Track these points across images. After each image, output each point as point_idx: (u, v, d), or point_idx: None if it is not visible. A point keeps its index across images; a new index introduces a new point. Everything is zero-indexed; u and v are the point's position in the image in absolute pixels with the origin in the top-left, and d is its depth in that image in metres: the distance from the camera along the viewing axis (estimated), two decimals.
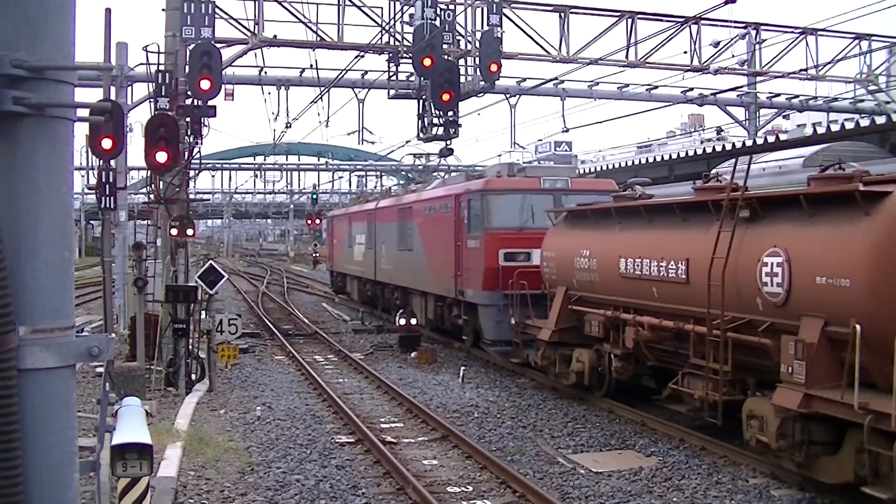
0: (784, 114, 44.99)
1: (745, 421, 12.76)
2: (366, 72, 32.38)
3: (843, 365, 10.85)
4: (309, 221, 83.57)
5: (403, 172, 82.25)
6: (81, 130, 23.46)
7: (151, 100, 21.08)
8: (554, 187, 23.53)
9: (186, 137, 20.67)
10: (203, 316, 21.26)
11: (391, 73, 27.28)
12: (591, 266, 17.97)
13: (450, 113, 24.67)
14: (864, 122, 26.52)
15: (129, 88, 28.73)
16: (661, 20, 30.30)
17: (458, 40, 26.29)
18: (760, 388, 13.23)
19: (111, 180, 18.32)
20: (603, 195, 21.44)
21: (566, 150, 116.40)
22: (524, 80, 35.00)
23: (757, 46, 32.42)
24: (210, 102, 20.85)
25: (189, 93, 20.99)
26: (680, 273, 14.84)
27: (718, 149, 32.47)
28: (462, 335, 26.15)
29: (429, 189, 30.57)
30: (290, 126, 32.09)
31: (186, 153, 20.91)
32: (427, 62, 23.40)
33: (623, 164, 42.99)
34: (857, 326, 10.63)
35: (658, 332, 15.77)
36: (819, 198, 12.10)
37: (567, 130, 35.96)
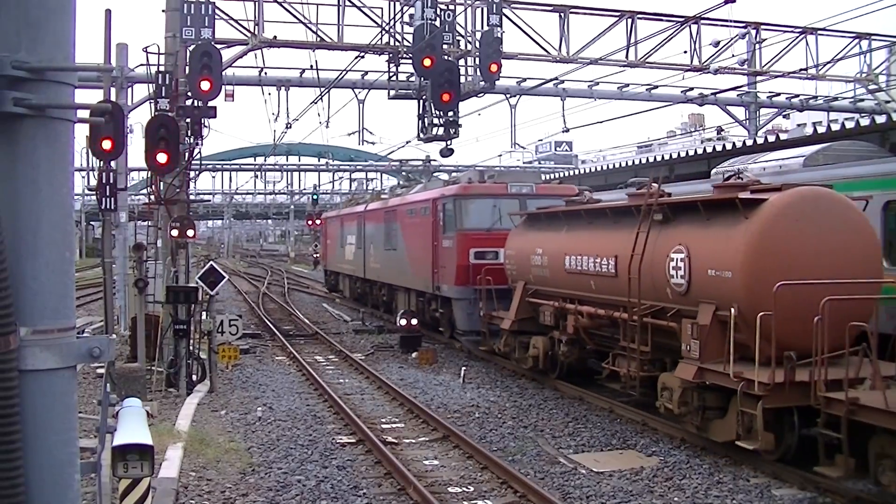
0: (784, 113, 45.02)
1: (659, 392, 15.11)
2: (366, 72, 32.39)
3: (725, 341, 13.32)
4: (309, 222, 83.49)
5: (404, 173, 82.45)
6: (82, 131, 23.49)
7: (152, 101, 21.10)
8: (520, 192, 25.80)
9: (187, 138, 20.67)
10: (204, 317, 21.26)
11: (391, 74, 27.30)
12: (544, 263, 20.44)
13: (450, 113, 24.68)
14: (865, 122, 26.47)
15: (130, 89, 28.72)
16: (661, 20, 30.30)
17: (458, 40, 26.30)
18: (675, 365, 15.01)
19: (111, 181, 18.34)
20: (562, 200, 23.33)
21: (566, 151, 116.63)
22: (524, 80, 35.01)
23: (757, 46, 32.42)
24: (210, 103, 20.85)
25: (189, 94, 20.99)
26: (610, 268, 17.23)
27: (719, 148, 32.42)
28: (439, 327, 28.61)
29: (411, 193, 32.88)
30: (291, 127, 32.12)
31: (187, 154, 20.91)
32: (427, 62, 23.41)
33: (623, 164, 42.99)
34: (732, 310, 13.20)
35: (595, 320, 18.34)
36: (713, 204, 14.51)
37: (567, 130, 35.97)
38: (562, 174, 46.68)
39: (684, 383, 14.25)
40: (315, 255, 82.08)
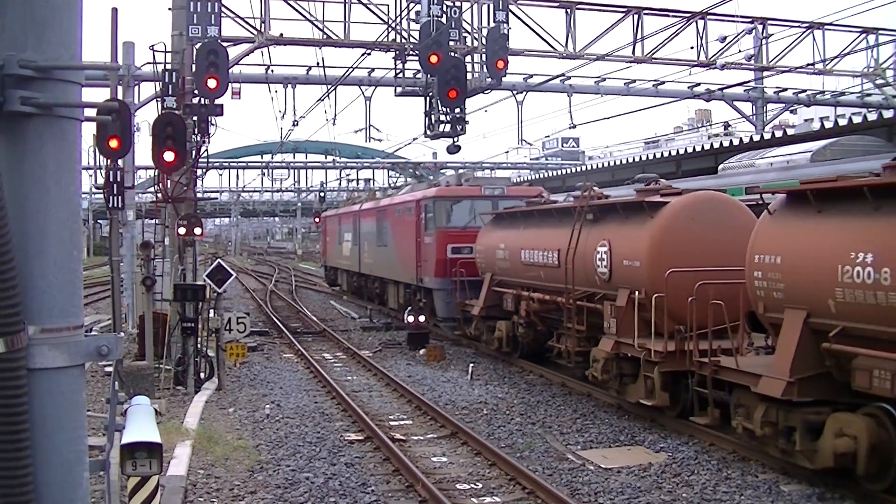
0: (791, 108, 44.92)
1: (591, 363, 17.74)
2: (372, 69, 32.43)
3: (649, 321, 15.86)
4: (317, 219, 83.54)
5: (410, 170, 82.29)
6: (89, 130, 23.51)
7: (158, 99, 21.12)
8: (493, 194, 28.64)
9: (193, 136, 20.69)
10: (211, 314, 21.28)
11: (398, 71, 27.26)
12: (506, 256, 23.37)
13: (457, 110, 24.62)
14: (872, 117, 26.45)
15: (136, 88, 28.78)
16: (668, 15, 30.26)
17: (465, 37, 26.24)
18: None
19: (119, 179, 18.38)
20: (527, 200, 25.93)
21: (573, 147, 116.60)
22: (531, 76, 35.01)
23: (764, 41, 32.35)
24: (217, 101, 20.85)
25: (196, 91, 21.00)
26: (554, 260, 20.07)
27: (726, 144, 32.39)
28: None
29: (399, 194, 35.90)
30: (297, 124, 32.16)
31: (194, 152, 20.93)
32: (433, 59, 23.36)
33: (630, 160, 42.93)
34: (636, 293, 16.18)
35: (543, 304, 21.12)
36: (629, 206, 17.49)
37: (574, 126, 36.01)
38: (568, 170, 46.68)
39: (606, 355, 17.09)
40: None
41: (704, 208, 16.32)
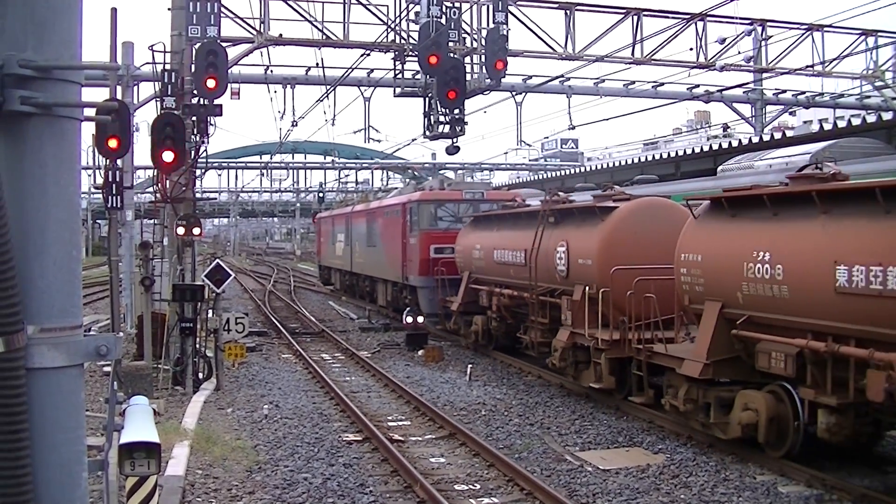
0: (790, 110, 44.94)
1: (552, 352, 19.58)
2: (372, 70, 32.38)
3: (595, 313, 17.86)
4: (315, 220, 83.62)
5: (410, 171, 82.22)
6: (88, 130, 23.49)
7: (157, 99, 21.11)
8: (473, 198, 30.86)
9: (192, 136, 20.68)
10: (210, 315, 21.27)
11: (397, 72, 27.25)
12: (481, 256, 25.27)
13: (456, 111, 24.60)
14: (871, 119, 26.46)
15: (135, 88, 28.77)
16: (667, 17, 30.26)
17: (464, 38, 26.23)
18: None
19: (118, 179, 18.36)
20: (504, 203, 28.67)
21: (572, 148, 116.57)
22: (530, 77, 34.99)
23: (763, 43, 32.36)
24: (216, 101, 20.84)
25: (195, 92, 21.00)
26: (521, 259, 21.89)
27: (725, 145, 32.40)
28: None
29: (387, 198, 38.26)
30: (296, 124, 32.10)
31: (193, 152, 20.92)
32: (433, 60, 23.33)
33: (630, 162, 42.95)
34: (586, 288, 18.24)
35: (512, 299, 23.05)
36: (584, 210, 19.64)
37: (573, 128, 36.00)
38: (567, 171, 46.77)
39: (563, 344, 18.95)
40: None
41: (647, 213, 18.32)
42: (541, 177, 57.67)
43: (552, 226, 20.59)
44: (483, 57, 25.34)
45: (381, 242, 35.70)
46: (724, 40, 31.29)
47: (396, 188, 42.16)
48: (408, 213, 31.55)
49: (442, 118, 25.11)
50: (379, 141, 61.93)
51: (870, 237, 11.45)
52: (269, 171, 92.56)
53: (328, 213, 54.84)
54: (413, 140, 50.73)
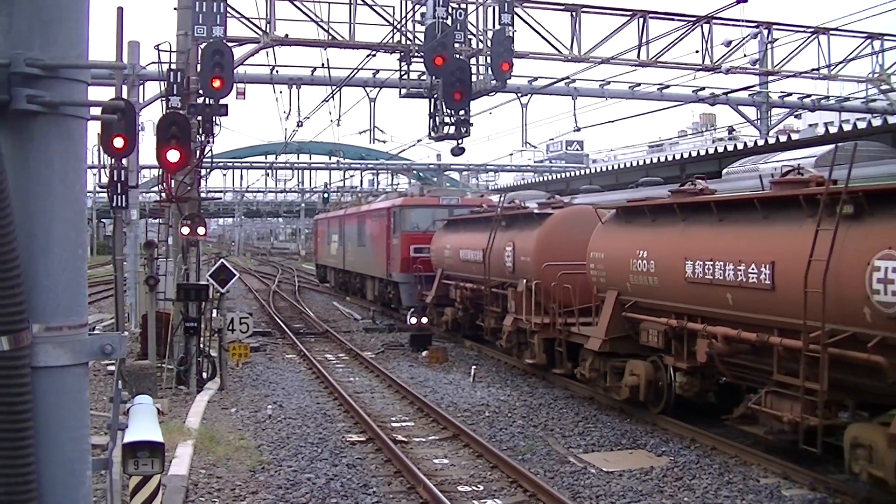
0: (796, 113, 44.90)
1: (502, 336, 23.38)
2: (377, 71, 32.46)
3: (532, 302, 21.29)
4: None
5: (415, 171, 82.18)
6: (93, 129, 23.46)
7: (163, 98, 21.12)
8: (449, 203, 34.44)
9: (198, 136, 20.69)
10: (214, 314, 21.29)
11: (403, 72, 27.26)
12: (451, 255, 28.83)
13: (461, 112, 24.61)
14: (877, 122, 26.42)
15: (141, 87, 28.81)
16: (673, 19, 30.23)
17: (470, 39, 26.25)
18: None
19: (123, 179, 18.35)
20: (476, 208, 31.95)
21: (578, 150, 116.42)
22: (536, 79, 35.02)
23: (769, 46, 32.33)
24: (221, 101, 20.85)
25: (201, 91, 21.01)
26: (480, 257, 25.45)
27: (730, 148, 32.37)
28: (392, 304, 36.62)
29: (375, 202, 42.22)
30: (302, 125, 32.22)
31: (198, 152, 20.93)
32: (438, 61, 23.36)
33: (635, 164, 42.92)
34: (524, 280, 21.90)
35: (473, 292, 26.89)
36: (526, 216, 23.66)
37: (578, 129, 36.00)
38: (573, 173, 46.85)
39: (509, 328, 22.64)
40: None
41: (576, 219, 21.48)
42: (546, 178, 57.67)
43: (503, 229, 24.33)
44: (489, 58, 25.34)
45: (370, 242, 39.11)
46: (730, 43, 31.28)
47: (385, 193, 46.03)
48: (392, 216, 35.09)
49: (447, 119, 25.13)
50: (384, 142, 62.16)
51: (707, 239, 14.75)
52: (274, 171, 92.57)
53: (324, 215, 58.38)
54: (418, 141, 50.72)
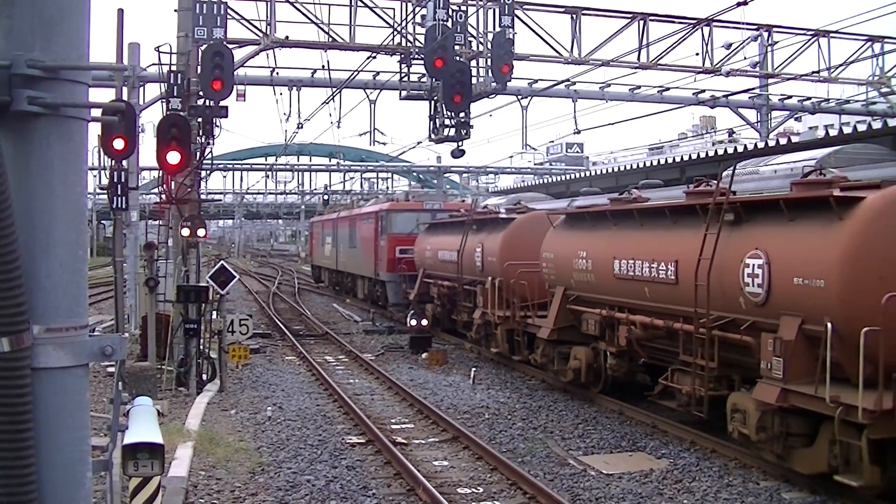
0: (796, 116, 44.85)
1: (471, 326, 26.44)
2: (377, 73, 32.45)
3: (496, 297, 23.73)
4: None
5: (415, 173, 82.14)
6: (93, 131, 23.52)
7: (163, 100, 21.13)
8: (432, 208, 37.33)
9: (198, 138, 20.69)
10: (214, 316, 21.29)
11: (403, 75, 27.27)
12: (431, 256, 31.61)
13: (461, 114, 24.61)
14: (877, 125, 26.39)
15: (142, 89, 28.78)
16: (673, 22, 30.25)
17: (470, 41, 26.24)
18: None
19: (123, 180, 18.35)
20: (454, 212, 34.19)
21: (578, 152, 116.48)
22: (536, 81, 34.99)
23: (769, 48, 32.33)
24: (222, 103, 20.88)
25: (201, 93, 21.02)
26: (454, 258, 28.11)
27: (730, 151, 32.36)
28: (379, 301, 39.26)
29: (365, 206, 44.78)
30: (302, 127, 32.17)
31: (198, 153, 20.93)
32: (439, 63, 23.37)
33: (635, 166, 42.91)
34: (491, 278, 24.39)
35: (450, 290, 29.32)
36: (493, 220, 26.25)
37: (579, 132, 35.99)
38: (573, 176, 46.97)
39: (478, 321, 25.35)
40: None
41: (535, 223, 23.54)
42: (546, 181, 57.65)
43: (475, 232, 26.99)
44: (489, 60, 25.35)
45: (360, 244, 41.95)
46: (730, 45, 31.27)
47: (375, 197, 49.33)
48: (379, 220, 37.97)
49: (447, 121, 25.13)
50: (384, 144, 62.24)
51: (630, 241, 17.22)
52: (275, 173, 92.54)
53: (319, 218, 61.89)
54: (418, 143, 51.32)
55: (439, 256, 30.31)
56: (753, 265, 13.09)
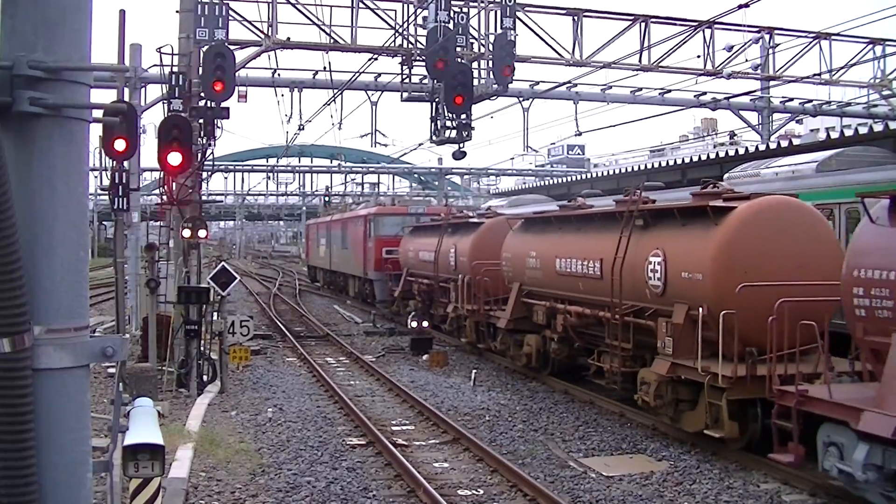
0: (797, 118, 44.86)
1: (447, 321, 29.29)
2: (379, 74, 32.42)
3: (466, 293, 26.89)
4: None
5: (416, 175, 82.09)
6: (95, 131, 23.50)
7: (165, 101, 21.12)
8: (416, 212, 40.67)
9: (199, 139, 20.69)
10: (215, 317, 21.28)
11: (404, 76, 27.25)
12: (415, 256, 34.35)
13: (463, 116, 24.58)
14: (878, 127, 26.38)
15: (143, 90, 28.76)
16: (675, 24, 30.23)
17: (472, 43, 26.21)
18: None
19: (124, 181, 18.35)
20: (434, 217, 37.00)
21: (579, 154, 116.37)
22: (537, 83, 34.97)
23: (770, 51, 32.30)
24: (223, 104, 20.86)
25: (202, 94, 21.02)
26: (432, 258, 30.73)
27: (731, 153, 32.32)
28: (368, 299, 42.03)
29: (357, 209, 48.43)
30: (303, 128, 32.18)
31: (199, 155, 20.93)
32: (440, 65, 23.34)
33: (636, 168, 42.88)
34: (462, 276, 27.24)
35: (428, 286, 32.09)
36: (465, 224, 29.19)
37: (580, 134, 36.03)
38: (574, 178, 46.95)
39: (452, 315, 28.21)
40: None
41: (499, 226, 26.17)
42: (547, 183, 57.63)
43: (450, 234, 30.00)
44: (490, 62, 25.35)
45: (351, 245, 45.12)
46: (731, 48, 31.24)
47: (366, 201, 53.45)
48: (368, 223, 41.24)
49: (449, 123, 25.11)
50: (385, 145, 62.31)
51: (570, 243, 20.21)
52: (276, 174, 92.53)
53: (314, 220, 65.77)
54: (419, 145, 51.43)
55: (420, 257, 33.35)
56: (655, 262, 16.10)
